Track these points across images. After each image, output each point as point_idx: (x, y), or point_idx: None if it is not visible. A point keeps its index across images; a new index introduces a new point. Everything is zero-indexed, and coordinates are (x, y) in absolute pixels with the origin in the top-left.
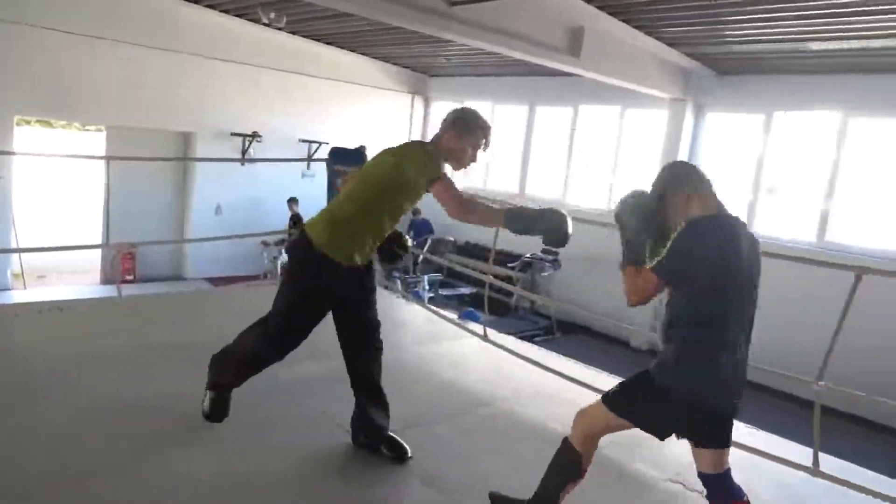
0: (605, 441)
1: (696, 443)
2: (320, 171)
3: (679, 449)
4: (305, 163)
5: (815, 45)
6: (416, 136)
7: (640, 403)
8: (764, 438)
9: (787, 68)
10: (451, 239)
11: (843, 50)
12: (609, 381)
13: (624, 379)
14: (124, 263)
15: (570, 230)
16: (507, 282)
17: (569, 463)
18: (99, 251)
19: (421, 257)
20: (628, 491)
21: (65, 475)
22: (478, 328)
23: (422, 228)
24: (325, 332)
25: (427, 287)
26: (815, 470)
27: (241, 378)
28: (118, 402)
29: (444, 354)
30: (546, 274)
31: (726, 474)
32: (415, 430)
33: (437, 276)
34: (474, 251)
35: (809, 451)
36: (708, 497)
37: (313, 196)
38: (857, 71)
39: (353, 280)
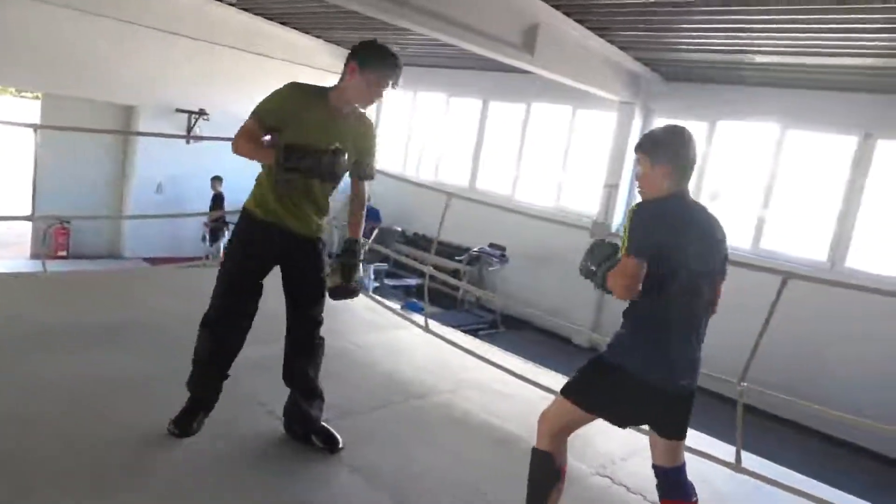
0: (529, 434)
1: (654, 427)
2: None
3: (607, 443)
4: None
5: (758, 58)
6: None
7: (597, 388)
8: (692, 436)
9: (732, 79)
10: (399, 229)
11: (783, 64)
12: (548, 377)
13: (578, 370)
14: (57, 238)
15: (335, 169)
16: (453, 275)
17: (544, 469)
18: (30, 224)
19: (367, 246)
20: None
21: None
22: (420, 319)
23: (369, 216)
24: (262, 317)
25: (372, 277)
26: (737, 466)
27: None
28: (34, 381)
29: (385, 344)
30: (493, 269)
31: (681, 469)
32: (349, 418)
33: (383, 266)
34: (422, 242)
35: (732, 448)
36: (659, 490)
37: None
38: (795, 86)
39: (273, 241)
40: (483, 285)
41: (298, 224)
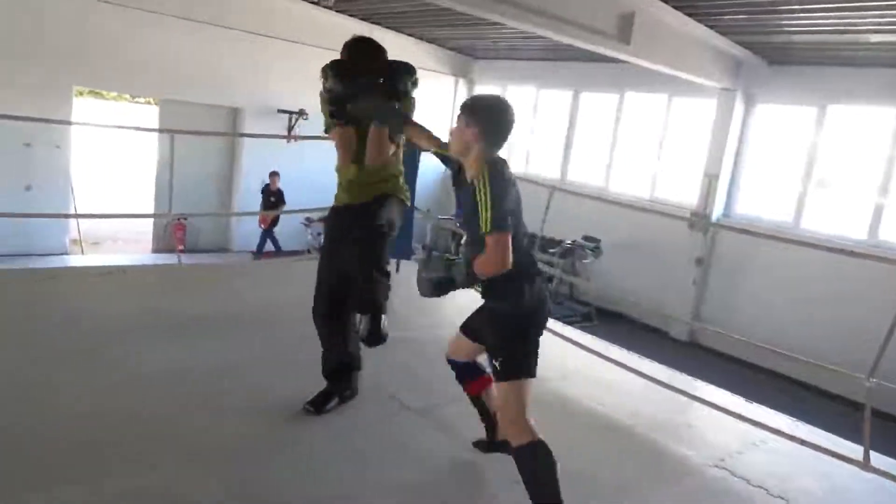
0: (650, 425)
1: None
2: None
3: (719, 435)
4: None
5: (873, 38)
6: None
7: (524, 349)
8: (813, 433)
9: (843, 60)
10: None
11: None
12: (650, 366)
13: None
14: (176, 233)
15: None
16: (549, 267)
17: (544, 457)
18: (151, 221)
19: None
20: (672, 474)
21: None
22: None
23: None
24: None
25: None
26: (865, 465)
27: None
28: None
29: None
30: (587, 261)
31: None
32: (456, 404)
33: None
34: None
35: (859, 447)
36: (458, 378)
37: None
38: None
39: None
40: (578, 279)
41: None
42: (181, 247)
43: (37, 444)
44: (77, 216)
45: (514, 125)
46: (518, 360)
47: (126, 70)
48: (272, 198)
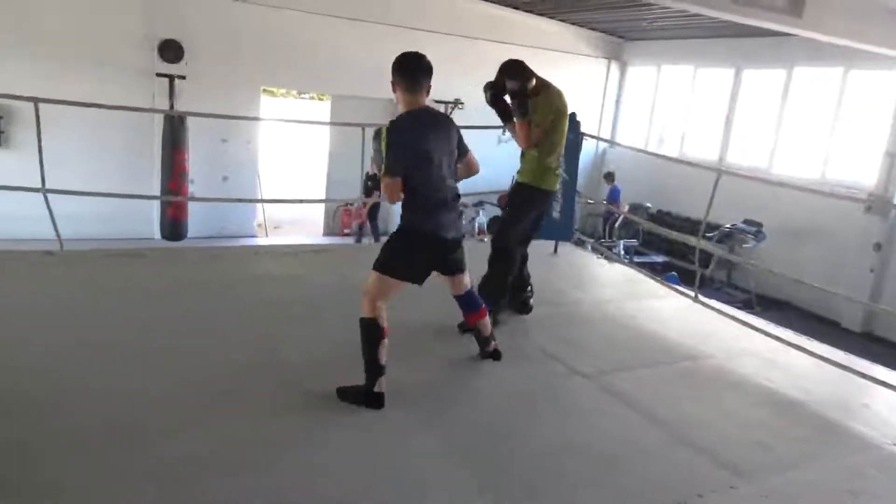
0: (823, 402)
1: (440, 270)
2: None
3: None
4: (501, 129)
5: None
6: (611, 102)
7: (396, 255)
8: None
9: None
10: (648, 205)
11: None
12: (822, 347)
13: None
14: (344, 218)
15: None
16: (702, 252)
17: (373, 330)
18: (322, 206)
19: (618, 223)
20: (846, 448)
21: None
22: (688, 290)
23: (615, 195)
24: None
25: (622, 253)
26: None
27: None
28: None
29: (648, 312)
30: (748, 246)
31: (470, 292)
32: (620, 373)
33: (633, 243)
34: (666, 219)
35: None
36: (462, 309)
37: (506, 161)
38: None
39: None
40: (734, 264)
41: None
42: (347, 230)
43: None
44: (262, 201)
45: (421, 69)
46: (385, 258)
47: (304, 69)
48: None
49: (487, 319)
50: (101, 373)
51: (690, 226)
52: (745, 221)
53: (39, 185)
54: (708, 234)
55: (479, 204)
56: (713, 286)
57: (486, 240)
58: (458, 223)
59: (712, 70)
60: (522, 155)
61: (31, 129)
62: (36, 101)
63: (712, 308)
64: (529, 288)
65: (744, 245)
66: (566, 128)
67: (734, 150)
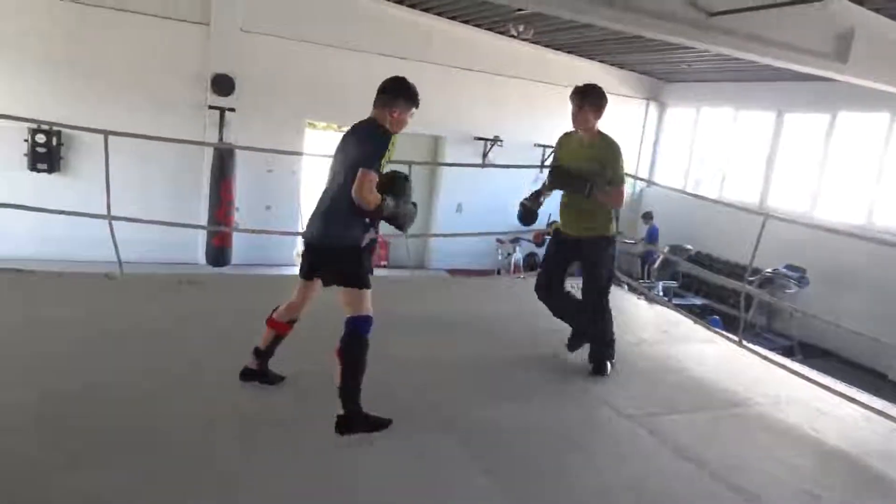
0: (871, 453)
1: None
2: None
3: None
4: (539, 168)
5: None
6: (649, 143)
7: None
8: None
9: None
10: (689, 247)
11: None
12: (869, 398)
13: None
14: (381, 250)
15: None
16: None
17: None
18: None
19: (656, 264)
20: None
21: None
22: (731, 334)
23: (654, 235)
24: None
25: (661, 294)
26: None
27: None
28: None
29: (692, 354)
30: (790, 291)
31: (349, 320)
32: (667, 416)
33: (673, 284)
34: (706, 262)
35: None
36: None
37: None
38: None
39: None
40: (778, 311)
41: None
42: (384, 262)
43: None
44: (300, 234)
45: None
46: (364, 274)
47: (347, 104)
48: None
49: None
50: (166, 396)
51: (730, 269)
52: (787, 266)
53: (96, 210)
54: (749, 279)
55: (516, 241)
56: (753, 331)
57: (522, 277)
58: (318, 224)
59: (752, 113)
60: (586, 209)
61: (86, 156)
62: (106, 133)
63: (758, 354)
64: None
65: (786, 291)
66: None
67: (775, 194)
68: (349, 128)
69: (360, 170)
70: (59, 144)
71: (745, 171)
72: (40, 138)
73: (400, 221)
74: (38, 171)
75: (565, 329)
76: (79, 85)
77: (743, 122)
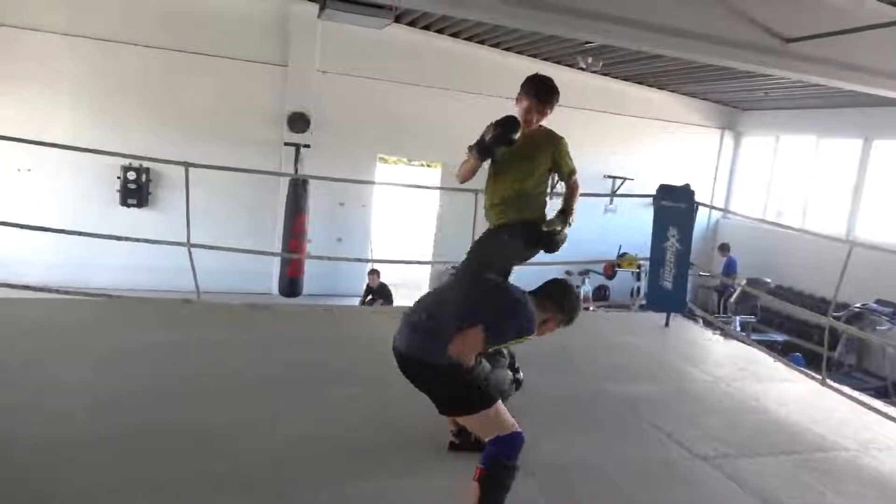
0: None
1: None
2: (622, 205)
3: None
4: (609, 199)
5: None
6: (724, 173)
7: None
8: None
9: None
10: (768, 280)
11: None
12: None
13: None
14: None
15: None
16: (831, 333)
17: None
18: (429, 268)
19: (733, 297)
20: None
21: None
22: (814, 373)
23: (732, 267)
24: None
25: (739, 329)
26: None
27: None
28: None
29: (771, 393)
30: (882, 328)
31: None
32: (745, 459)
33: (751, 319)
34: (787, 296)
35: None
36: None
37: (613, 229)
38: None
39: None
40: (868, 349)
41: None
42: None
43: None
44: (377, 261)
45: None
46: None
47: (418, 139)
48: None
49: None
50: (242, 414)
51: (814, 304)
52: (878, 301)
53: (180, 240)
54: (835, 314)
55: (586, 273)
56: (841, 371)
57: (592, 308)
58: (416, 336)
59: (837, 141)
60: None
61: (172, 191)
62: (187, 165)
63: (843, 394)
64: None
65: (878, 327)
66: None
67: (864, 224)
68: None
69: None
70: (148, 181)
71: (830, 201)
72: (131, 175)
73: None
74: (129, 205)
75: (640, 364)
76: (165, 125)
77: (826, 149)
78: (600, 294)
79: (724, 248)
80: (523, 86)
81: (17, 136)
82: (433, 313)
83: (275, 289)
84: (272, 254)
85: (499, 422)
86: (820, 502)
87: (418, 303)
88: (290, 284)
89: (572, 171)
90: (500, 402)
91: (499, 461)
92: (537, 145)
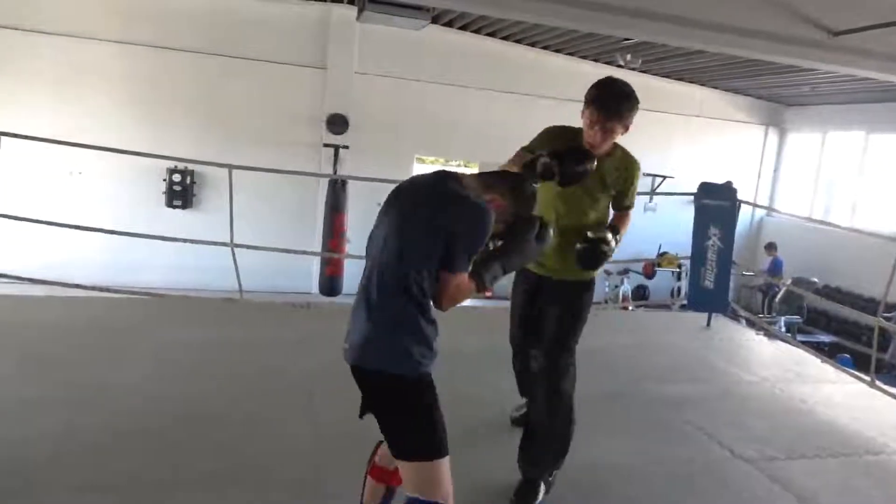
0: None
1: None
2: (662, 204)
3: None
4: (648, 196)
5: None
6: (769, 170)
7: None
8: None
9: None
10: (815, 280)
11: None
12: None
13: None
14: None
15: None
16: (881, 334)
17: None
18: None
19: (778, 297)
20: None
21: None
22: (863, 375)
23: (778, 267)
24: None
25: (784, 330)
26: None
27: None
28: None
29: (818, 395)
30: None
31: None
32: (791, 462)
33: (796, 319)
34: (835, 296)
35: None
36: None
37: (653, 228)
38: None
39: None
40: None
41: None
42: (489, 293)
43: None
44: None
45: None
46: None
47: (455, 138)
48: None
49: None
50: (279, 412)
51: (863, 304)
52: None
53: (224, 241)
54: (886, 315)
55: (625, 272)
56: (892, 373)
57: (631, 308)
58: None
59: (888, 136)
60: None
61: (215, 193)
62: (230, 167)
63: (893, 396)
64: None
65: None
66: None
67: None
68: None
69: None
70: (192, 183)
71: (880, 199)
72: (176, 178)
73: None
74: (174, 207)
75: (682, 364)
76: (209, 128)
77: (876, 145)
78: (639, 294)
79: (770, 247)
80: (586, 92)
81: (70, 141)
82: None
83: (315, 288)
84: (312, 253)
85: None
86: (870, 499)
87: None
88: (330, 283)
89: (631, 206)
90: (445, 460)
91: None
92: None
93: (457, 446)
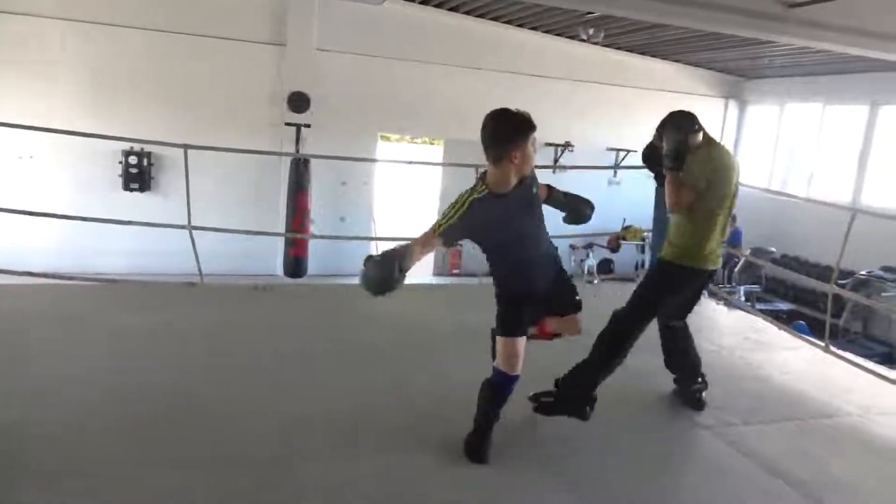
0: None
1: (552, 312)
2: (626, 178)
3: None
4: (612, 171)
5: None
6: (730, 142)
7: (497, 319)
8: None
9: None
10: (773, 250)
11: None
12: None
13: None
14: (452, 258)
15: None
16: (835, 301)
17: (510, 388)
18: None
19: (738, 267)
20: None
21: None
22: (818, 340)
23: (737, 238)
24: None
25: (743, 299)
26: None
27: None
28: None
29: (775, 361)
30: (889, 294)
31: None
32: (748, 427)
33: (755, 289)
34: (793, 265)
35: None
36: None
37: (615, 204)
38: None
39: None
40: (874, 316)
41: None
42: (456, 270)
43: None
44: (379, 239)
45: (487, 133)
46: (499, 323)
47: (419, 116)
48: None
49: None
50: (239, 395)
51: (819, 272)
52: (884, 268)
53: (183, 224)
54: (840, 282)
55: (590, 246)
56: (847, 338)
57: (595, 281)
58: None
59: (843, 107)
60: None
61: (174, 175)
62: (186, 147)
63: (847, 360)
64: (702, 378)
65: (883, 293)
66: (729, 193)
67: (869, 191)
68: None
69: None
70: (150, 165)
71: (836, 169)
72: (132, 160)
73: None
74: (131, 190)
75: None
76: (164, 109)
77: (832, 116)
78: (605, 268)
79: (731, 219)
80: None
81: (18, 123)
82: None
83: (279, 269)
84: (274, 234)
85: (504, 355)
86: (822, 467)
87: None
88: (295, 265)
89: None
90: (517, 340)
91: (488, 384)
92: None
93: None
